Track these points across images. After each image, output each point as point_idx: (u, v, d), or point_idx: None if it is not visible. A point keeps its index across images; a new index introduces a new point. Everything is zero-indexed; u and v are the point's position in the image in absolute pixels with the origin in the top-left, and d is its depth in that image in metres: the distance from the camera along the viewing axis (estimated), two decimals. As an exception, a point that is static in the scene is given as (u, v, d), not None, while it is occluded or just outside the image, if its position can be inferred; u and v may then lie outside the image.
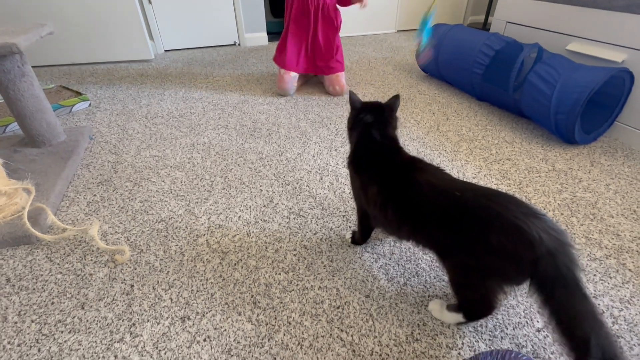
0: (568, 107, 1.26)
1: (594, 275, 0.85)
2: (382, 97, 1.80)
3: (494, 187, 1.15)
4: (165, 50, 2.58)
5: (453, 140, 1.42)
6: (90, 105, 1.71)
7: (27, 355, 0.68)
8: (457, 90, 1.90)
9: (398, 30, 3.21)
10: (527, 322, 0.74)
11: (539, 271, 0.57)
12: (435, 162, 1.28)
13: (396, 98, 0.80)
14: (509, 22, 1.84)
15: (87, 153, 1.33)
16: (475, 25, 3.16)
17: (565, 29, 1.55)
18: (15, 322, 0.74)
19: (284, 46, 1.77)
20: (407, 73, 2.15)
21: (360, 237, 0.91)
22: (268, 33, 2.78)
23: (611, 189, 1.13)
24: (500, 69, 1.54)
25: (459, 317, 0.71)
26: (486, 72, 1.60)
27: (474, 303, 0.69)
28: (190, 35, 2.59)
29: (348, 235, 0.94)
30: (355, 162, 0.79)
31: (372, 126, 0.77)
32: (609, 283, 0.83)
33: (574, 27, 1.51)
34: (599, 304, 0.78)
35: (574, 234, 0.96)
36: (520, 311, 0.76)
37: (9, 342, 0.70)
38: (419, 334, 0.72)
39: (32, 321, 0.74)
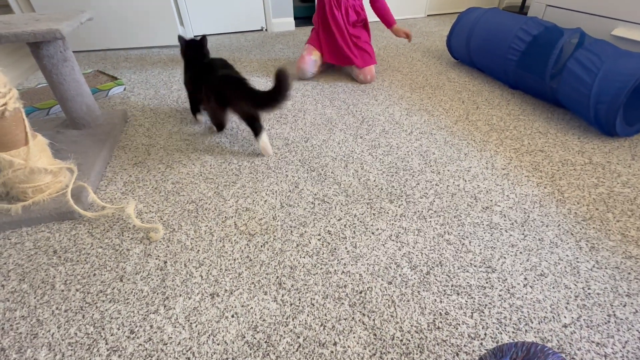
0: (610, 96, 1.19)
1: (629, 273, 0.81)
2: (410, 85, 1.77)
3: (525, 179, 1.11)
4: (195, 36, 2.62)
5: (483, 130, 1.38)
6: (124, 89, 1.78)
7: (73, 320, 0.75)
8: (488, 78, 1.83)
9: (428, 15, 3.10)
10: (553, 317, 0.73)
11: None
12: (462, 152, 1.25)
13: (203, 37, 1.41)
14: (549, 5, 1.74)
15: (123, 136, 1.39)
16: (511, 8, 3.00)
17: (610, 13, 1.45)
18: (62, 290, 0.81)
19: (318, 42, 1.81)
20: (436, 59, 2.09)
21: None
22: (295, 18, 2.75)
23: (653, 185, 1.07)
24: (537, 55, 1.46)
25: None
26: (521, 58, 1.53)
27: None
28: (219, 21, 2.62)
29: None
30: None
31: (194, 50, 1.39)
32: (644, 282, 0.80)
33: (620, 10, 1.41)
34: (632, 303, 0.75)
35: (609, 230, 0.93)
36: (547, 305, 0.75)
37: (57, 308, 0.77)
38: (441, 322, 0.73)
39: (77, 290, 0.81)
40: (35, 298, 0.79)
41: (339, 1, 1.71)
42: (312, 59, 1.78)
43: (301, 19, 2.95)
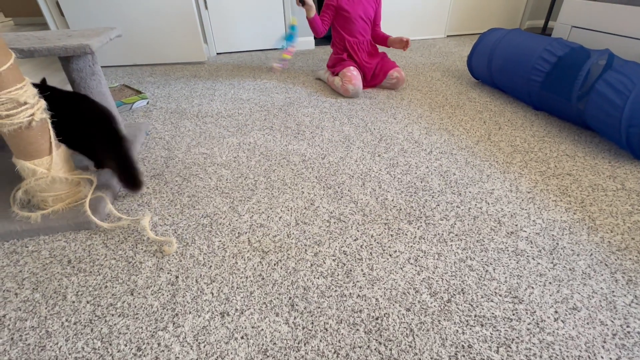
0: (644, 120, 1.13)
1: (672, 311, 0.74)
2: (429, 104, 1.74)
3: (552, 204, 1.06)
4: (218, 53, 2.70)
5: (505, 151, 1.33)
6: (148, 103, 1.82)
7: (82, 333, 0.73)
8: (511, 98, 1.79)
9: (448, 35, 3.11)
10: (589, 357, 0.67)
11: None
12: (485, 173, 1.21)
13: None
14: (574, 27, 1.70)
15: (143, 147, 1.41)
16: (533, 30, 2.97)
17: (642, 34, 1.41)
18: (73, 302, 0.80)
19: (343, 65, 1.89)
20: (456, 79, 2.06)
21: None
22: (314, 37, 2.81)
23: (694, 215, 1.00)
24: (563, 76, 1.42)
25: None
26: (546, 79, 1.49)
27: None
28: (241, 39, 2.69)
29: None
30: None
31: None
32: (690, 322, 0.72)
33: (653, 32, 1.37)
34: (677, 345, 0.68)
35: (648, 262, 0.86)
36: (581, 343, 0.69)
37: (67, 320, 0.76)
38: (464, 356, 0.68)
39: (88, 302, 0.80)
40: (46, 308, 0.79)
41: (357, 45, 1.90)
42: (359, 72, 1.84)
43: (320, 38, 3.00)
